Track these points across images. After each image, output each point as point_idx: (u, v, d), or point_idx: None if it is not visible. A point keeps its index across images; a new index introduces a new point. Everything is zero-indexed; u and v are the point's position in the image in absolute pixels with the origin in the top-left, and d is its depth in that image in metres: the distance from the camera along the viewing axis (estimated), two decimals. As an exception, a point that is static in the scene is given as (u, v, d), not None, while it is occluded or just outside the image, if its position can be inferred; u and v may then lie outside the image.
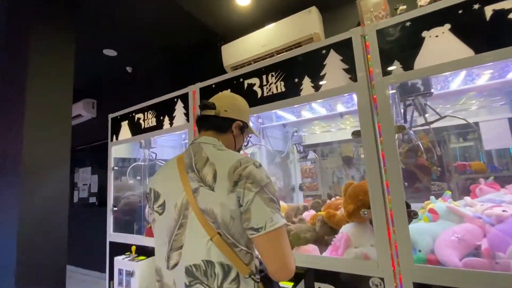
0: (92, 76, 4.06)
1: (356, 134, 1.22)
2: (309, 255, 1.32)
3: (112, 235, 2.27)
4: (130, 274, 1.77)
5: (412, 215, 1.09)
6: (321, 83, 1.35)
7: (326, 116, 2.40)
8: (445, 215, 1.35)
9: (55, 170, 2.12)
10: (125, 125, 2.29)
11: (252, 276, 0.75)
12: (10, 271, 1.88)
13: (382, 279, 1.12)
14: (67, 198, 2.16)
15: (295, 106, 1.46)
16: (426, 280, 1.04)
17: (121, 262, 1.87)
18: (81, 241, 4.18)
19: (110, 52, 3.40)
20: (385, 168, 1.15)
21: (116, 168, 2.39)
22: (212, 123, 0.93)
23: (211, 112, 0.92)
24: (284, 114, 2.61)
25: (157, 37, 3.06)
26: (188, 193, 0.78)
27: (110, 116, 2.44)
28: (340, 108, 2.31)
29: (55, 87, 2.22)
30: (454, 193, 1.87)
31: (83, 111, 4.38)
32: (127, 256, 1.95)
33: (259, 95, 1.54)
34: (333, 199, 2.07)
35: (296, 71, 1.43)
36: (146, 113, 2.14)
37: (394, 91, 1.40)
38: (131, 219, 2.55)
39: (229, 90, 1.67)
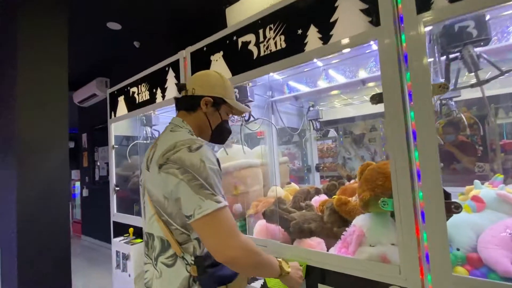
0: (101, 54, 3.97)
1: (375, 98, 0.90)
2: (311, 251, 1.07)
3: (116, 215, 2.20)
4: (126, 257, 1.68)
5: (452, 209, 0.79)
6: (331, 33, 1.02)
7: (346, 84, 2.03)
8: (495, 204, 1.06)
9: (54, 151, 2.04)
10: (121, 100, 2.13)
11: (185, 257, 0.79)
12: (12, 252, 1.88)
13: (405, 289, 0.86)
14: (67, 178, 2.10)
15: (300, 66, 1.15)
16: (469, 297, 0.75)
17: (117, 244, 1.79)
18: (102, 216, 4.35)
19: (114, 26, 3.22)
20: (415, 144, 0.84)
21: (117, 146, 2.27)
22: (182, 104, 0.95)
23: (183, 93, 0.95)
24: (296, 84, 2.28)
25: (161, 4, 2.80)
26: (144, 172, 0.89)
27: (108, 91, 2.29)
28: (363, 74, 1.93)
29: (48, 68, 2.08)
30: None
31: (97, 90, 4.35)
32: (125, 238, 1.86)
33: (255, 55, 1.25)
34: (352, 181, 1.77)
35: (299, 20, 1.10)
36: (139, 86, 1.94)
37: (432, 38, 1.03)
38: (138, 199, 2.47)
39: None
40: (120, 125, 2.35)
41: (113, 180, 2.24)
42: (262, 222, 1.34)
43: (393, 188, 0.87)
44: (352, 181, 1.80)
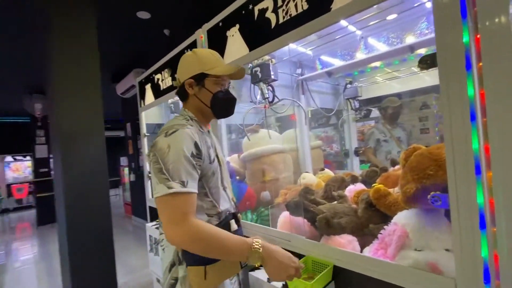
0: (135, 45, 4.08)
1: (425, 61, 0.68)
2: (340, 250, 0.92)
3: (151, 200, 2.28)
4: (157, 242, 1.71)
5: (540, 209, 0.56)
6: (364, -18, 0.79)
7: (389, 53, 1.70)
8: None
9: (92, 140, 2.16)
10: (148, 88, 2.14)
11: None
12: (63, 227, 2.09)
13: (462, 309, 0.66)
14: (105, 163, 2.22)
15: (330, 32, 0.96)
16: None
17: (150, 228, 1.84)
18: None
19: (143, 15, 3.25)
20: (484, 122, 0.61)
21: (148, 134, 2.32)
22: (179, 96, 0.96)
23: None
24: (329, 59, 2.02)
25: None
26: None
27: (137, 80, 2.32)
28: (410, 39, 1.60)
29: (81, 61, 2.16)
30: None
31: (135, 81, 4.54)
32: (157, 223, 1.91)
33: (273, 23, 1.07)
34: (397, 167, 1.53)
35: (323, -28, 0.89)
36: (162, 72, 1.91)
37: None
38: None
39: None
40: (152, 113, 2.40)
41: (146, 166, 2.31)
42: (286, 214, 1.21)
43: (449, 178, 0.66)
44: (397, 166, 1.54)
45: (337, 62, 2.02)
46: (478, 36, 0.61)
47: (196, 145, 0.80)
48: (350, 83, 2.40)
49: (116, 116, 6.35)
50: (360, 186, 1.38)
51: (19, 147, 7.83)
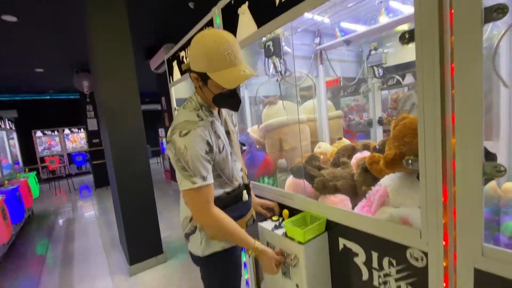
0: (163, 20, 4.22)
1: (404, 37, 0.73)
2: (330, 207, 1.06)
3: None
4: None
5: (494, 172, 0.63)
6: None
7: (411, 17, 1.62)
8: None
9: (131, 113, 2.47)
10: (175, 65, 2.32)
11: None
12: (115, 189, 2.51)
13: (425, 254, 0.78)
14: (143, 133, 2.54)
15: None
16: (502, 271, 0.64)
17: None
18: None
19: (168, -12, 3.33)
20: (452, 93, 0.67)
21: (178, 108, 2.56)
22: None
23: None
24: (349, 25, 1.97)
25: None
26: None
27: (165, 57, 2.51)
28: None
29: (115, 45, 2.38)
30: None
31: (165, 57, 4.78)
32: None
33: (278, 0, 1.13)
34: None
35: None
36: (186, 50, 2.05)
37: None
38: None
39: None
40: (181, 88, 2.59)
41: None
42: (292, 177, 1.37)
43: (419, 143, 0.74)
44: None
45: (359, 28, 1.96)
46: (452, 11, 0.64)
47: (208, 143, 0.91)
48: (375, 49, 2.32)
49: (153, 90, 6.79)
50: (365, 153, 1.46)
51: (74, 121, 8.90)
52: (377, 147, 1.66)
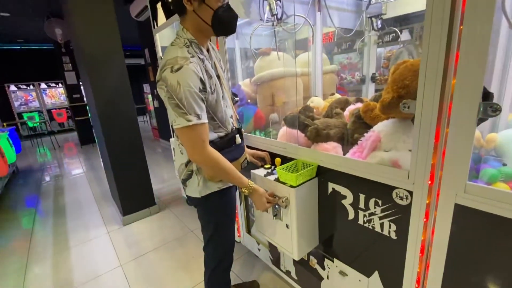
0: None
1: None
2: (322, 153, 1.08)
3: (172, 121, 2.53)
4: (179, 153, 2.00)
5: (488, 111, 0.64)
6: None
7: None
8: None
9: (113, 62, 2.29)
10: (159, 7, 2.10)
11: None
12: (102, 143, 2.45)
13: (410, 193, 0.83)
14: (128, 85, 2.41)
15: None
16: (480, 205, 0.69)
17: (174, 142, 2.10)
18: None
19: None
20: (460, 29, 0.64)
21: (164, 57, 2.39)
22: (174, 10, 0.95)
23: None
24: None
25: None
26: None
27: (148, -1, 2.26)
28: None
29: None
30: None
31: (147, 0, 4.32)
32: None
33: None
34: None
35: None
36: (171, -12, 1.84)
37: None
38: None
39: None
40: (167, 34, 2.38)
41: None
42: (285, 128, 1.36)
43: (419, 85, 0.73)
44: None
45: (359, -28, 1.81)
46: None
47: (201, 80, 0.87)
48: (377, -6, 2.18)
49: (135, 42, 6.29)
50: (359, 105, 1.46)
51: (51, 75, 8.30)
52: (367, 101, 1.66)
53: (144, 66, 6.01)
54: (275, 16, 1.50)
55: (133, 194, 2.57)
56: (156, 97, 5.68)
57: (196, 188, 1.04)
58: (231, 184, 1.10)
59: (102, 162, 3.55)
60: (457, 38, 0.65)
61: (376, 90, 2.53)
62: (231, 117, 1.10)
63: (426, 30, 0.69)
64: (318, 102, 1.92)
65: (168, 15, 2.01)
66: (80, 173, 4.42)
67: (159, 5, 2.10)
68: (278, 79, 1.91)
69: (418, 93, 0.73)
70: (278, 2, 1.47)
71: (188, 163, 1.05)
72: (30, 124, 7.24)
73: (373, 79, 2.55)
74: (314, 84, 2.21)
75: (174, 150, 1.12)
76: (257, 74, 1.98)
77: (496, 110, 0.63)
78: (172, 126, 0.92)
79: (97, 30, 2.18)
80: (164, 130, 5.91)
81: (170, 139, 2.43)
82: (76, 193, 3.53)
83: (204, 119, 0.90)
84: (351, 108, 1.46)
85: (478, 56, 0.62)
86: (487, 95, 0.65)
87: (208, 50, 1.01)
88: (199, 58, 0.91)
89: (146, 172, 2.66)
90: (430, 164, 0.76)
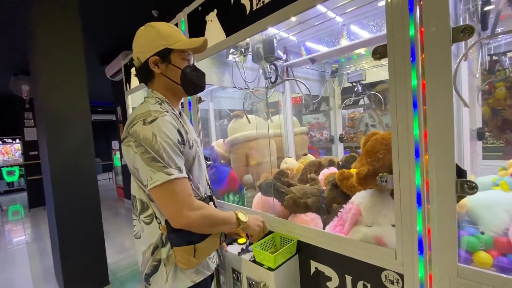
0: (124, 26, 3.98)
1: (378, 52, 0.72)
2: (302, 227, 1.00)
3: (138, 183, 2.33)
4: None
5: (465, 189, 0.63)
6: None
7: (371, 41, 1.73)
8: (540, 183, 0.86)
9: (78, 120, 2.17)
10: (133, 71, 2.13)
11: (158, 217, 0.83)
12: (51, 208, 2.13)
13: (400, 276, 0.75)
14: (92, 147, 2.24)
15: (310, 18, 0.97)
16: (477, 292, 0.63)
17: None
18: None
19: (130, -6, 3.16)
20: (424, 109, 0.67)
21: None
22: (140, 78, 0.91)
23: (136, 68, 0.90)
24: (314, 45, 2.04)
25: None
26: None
27: (122, 63, 2.30)
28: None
29: (65, 42, 2.11)
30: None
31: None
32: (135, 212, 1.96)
33: (248, 9, 1.09)
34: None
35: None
36: (146, 55, 1.90)
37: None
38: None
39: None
40: (138, 96, 2.39)
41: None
42: (260, 195, 1.28)
43: (393, 161, 0.72)
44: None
45: (321, 49, 2.03)
46: (422, 29, 0.65)
47: (179, 132, 0.80)
48: (336, 70, 2.43)
49: (107, 99, 6.27)
50: (332, 169, 1.46)
51: (8, 130, 7.72)
52: (340, 163, 1.69)
53: (115, 123, 5.88)
54: (268, 79, 1.51)
55: (81, 272, 2.16)
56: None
57: (163, 286, 0.83)
58: (207, 274, 0.91)
59: (49, 230, 3.06)
60: (422, 116, 0.68)
61: (345, 148, 2.66)
62: (207, 181, 1.00)
63: (393, 109, 0.71)
64: (292, 163, 1.91)
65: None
66: (20, 244, 3.74)
67: (133, 70, 2.13)
68: (252, 140, 1.91)
69: (394, 168, 0.72)
70: (272, 66, 1.49)
71: (155, 249, 0.84)
72: (-29, 184, 6.35)
73: (341, 139, 2.69)
74: (287, 145, 2.25)
75: (134, 228, 0.92)
76: (230, 135, 1.98)
77: (473, 188, 0.62)
78: (145, 187, 0.76)
79: (64, 88, 2.10)
80: (129, 189, 5.49)
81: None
82: (10, 270, 2.91)
83: (185, 173, 0.78)
84: (325, 172, 1.45)
85: (446, 133, 0.63)
86: (460, 172, 0.65)
87: (180, 114, 0.96)
88: (174, 113, 0.86)
89: (101, 244, 2.30)
90: (416, 243, 0.71)
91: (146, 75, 0.89)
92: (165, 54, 0.84)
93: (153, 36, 0.85)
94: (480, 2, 0.78)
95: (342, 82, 2.46)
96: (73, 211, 2.11)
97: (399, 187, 0.72)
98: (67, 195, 2.09)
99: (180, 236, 0.82)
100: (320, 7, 1.11)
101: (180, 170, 0.76)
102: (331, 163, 1.64)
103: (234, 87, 1.75)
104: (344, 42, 1.90)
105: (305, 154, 2.15)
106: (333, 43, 1.97)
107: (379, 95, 2.26)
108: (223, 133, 2.26)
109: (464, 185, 0.63)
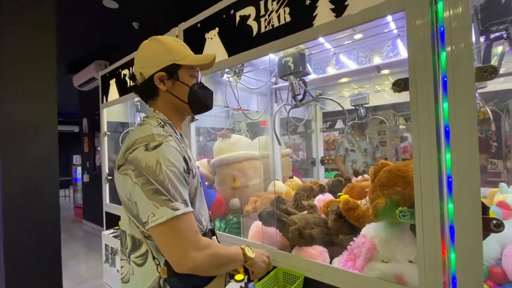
0: (99, 36, 3.78)
1: (399, 84, 0.72)
2: (310, 262, 0.93)
3: (108, 206, 2.10)
4: (114, 252, 1.57)
5: (491, 227, 0.62)
6: (346, 2, 0.83)
7: (358, 71, 1.82)
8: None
9: (41, 133, 1.91)
10: (113, 83, 1.98)
11: (157, 258, 0.72)
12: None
13: (424, 318, 0.71)
14: (57, 162, 1.97)
15: (308, 46, 0.97)
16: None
17: (106, 237, 1.67)
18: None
19: (111, 4, 3.03)
20: (448, 144, 0.66)
21: (109, 133, 2.14)
22: (142, 94, 0.84)
23: (137, 83, 0.82)
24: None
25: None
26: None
27: (100, 74, 2.13)
28: (378, 60, 1.73)
29: (35, 45, 1.90)
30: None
31: (96, 74, 4.20)
32: (115, 231, 1.75)
33: (255, 31, 1.06)
34: (359, 177, 1.60)
35: (308, -12, 0.91)
36: (131, 68, 1.78)
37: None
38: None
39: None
40: (115, 110, 2.21)
41: (105, 168, 2.12)
42: (258, 223, 1.19)
43: (415, 196, 0.70)
44: (360, 177, 1.62)
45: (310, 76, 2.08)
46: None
47: (185, 159, 0.72)
48: (320, 94, 2.50)
49: (71, 109, 5.79)
50: (328, 196, 1.43)
51: None
52: (327, 186, 1.68)
53: (77, 135, 5.40)
54: (295, 97, 1.40)
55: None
56: (87, 170, 4.94)
57: None
58: None
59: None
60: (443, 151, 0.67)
61: (326, 170, 2.71)
62: (208, 212, 0.90)
63: (415, 143, 0.70)
64: (280, 186, 1.86)
65: (122, 92, 1.88)
66: None
67: (113, 81, 1.98)
68: (239, 161, 1.83)
69: (416, 204, 0.70)
70: (300, 82, 1.38)
71: None
72: None
73: (322, 162, 2.74)
74: (273, 166, 2.21)
75: (122, 270, 0.79)
76: (216, 155, 1.88)
77: (500, 225, 0.62)
78: (144, 224, 0.66)
79: (30, 96, 1.85)
80: (90, 209, 4.96)
81: (103, 232, 1.93)
82: None
83: (191, 208, 0.69)
84: (321, 199, 1.41)
85: (473, 169, 0.63)
86: (484, 209, 0.65)
87: (181, 136, 0.88)
88: (176, 137, 0.78)
89: (58, 276, 1.97)
90: (441, 282, 0.68)
91: (149, 92, 0.81)
92: (172, 70, 0.78)
93: (160, 50, 0.78)
94: (485, 45, 0.84)
95: (324, 107, 2.53)
96: (26, 236, 1.79)
97: (422, 223, 0.69)
98: (20, 219, 1.77)
99: (183, 280, 0.70)
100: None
101: (186, 204, 0.67)
102: (322, 188, 1.62)
103: (226, 106, 1.69)
104: (332, 70, 1.98)
105: (291, 177, 2.12)
106: (321, 70, 2.05)
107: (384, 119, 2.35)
108: (200, 151, 2.17)
109: (490, 223, 0.62)
